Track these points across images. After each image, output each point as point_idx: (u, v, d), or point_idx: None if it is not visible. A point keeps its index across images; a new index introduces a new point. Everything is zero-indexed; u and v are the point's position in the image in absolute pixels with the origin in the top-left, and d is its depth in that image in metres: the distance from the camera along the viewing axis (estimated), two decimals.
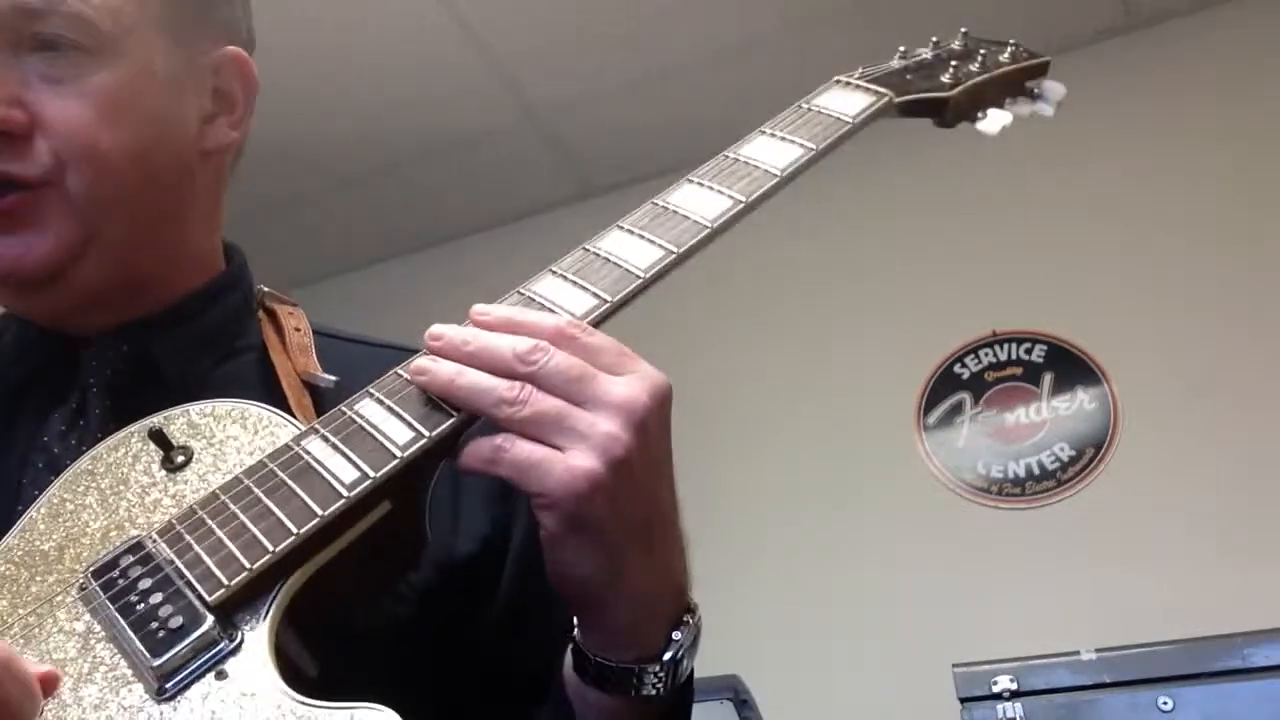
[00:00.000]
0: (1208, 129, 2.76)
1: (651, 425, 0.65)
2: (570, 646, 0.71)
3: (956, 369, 2.85)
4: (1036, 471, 2.69)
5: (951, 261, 2.90)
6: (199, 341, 0.87)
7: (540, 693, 0.79)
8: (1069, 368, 2.74)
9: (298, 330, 0.89)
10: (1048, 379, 2.75)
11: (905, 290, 2.93)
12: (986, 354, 2.83)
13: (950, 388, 2.84)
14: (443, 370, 0.67)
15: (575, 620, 0.71)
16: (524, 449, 0.63)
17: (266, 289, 0.94)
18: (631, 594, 0.67)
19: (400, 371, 0.70)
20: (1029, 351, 2.79)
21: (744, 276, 3.04)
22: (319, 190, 3.35)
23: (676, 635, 0.69)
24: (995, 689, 1.72)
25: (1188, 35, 2.84)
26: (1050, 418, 2.72)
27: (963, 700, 1.74)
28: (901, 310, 2.92)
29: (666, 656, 0.68)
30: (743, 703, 2.16)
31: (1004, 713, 1.70)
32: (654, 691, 0.68)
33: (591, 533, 0.63)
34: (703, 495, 2.90)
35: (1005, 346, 2.82)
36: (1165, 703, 1.62)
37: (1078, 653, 1.72)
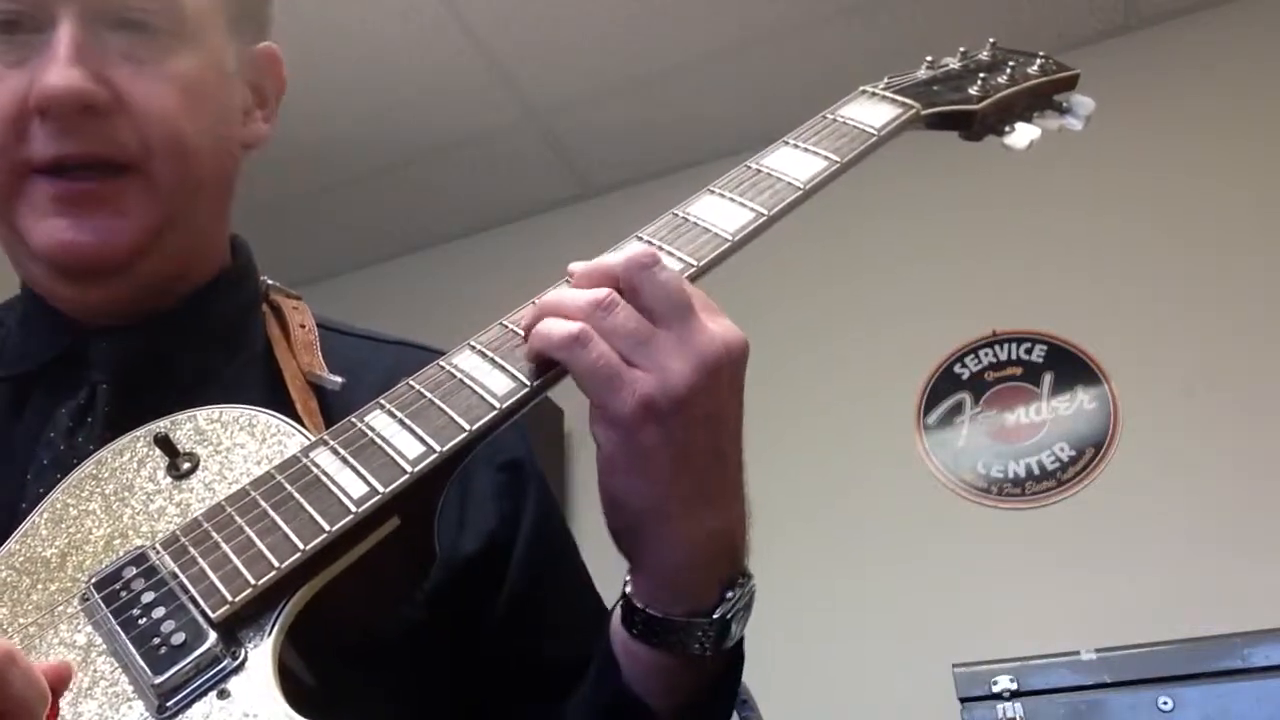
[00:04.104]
0: (1208, 129, 2.76)
1: (723, 375, 0.64)
2: (620, 600, 0.71)
3: (956, 369, 2.84)
4: (1036, 471, 2.68)
5: (951, 261, 2.90)
6: (208, 338, 0.85)
7: (569, 681, 0.78)
8: (1069, 368, 2.74)
9: (303, 327, 0.87)
10: (1048, 379, 2.75)
11: (905, 290, 2.92)
12: (986, 354, 2.83)
13: (950, 388, 2.84)
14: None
15: (628, 570, 0.70)
16: (605, 352, 0.63)
17: (271, 281, 0.93)
18: (679, 537, 0.66)
19: (412, 383, 0.68)
20: (1029, 351, 2.79)
21: (743, 277, 3.03)
22: (319, 190, 3.34)
23: (729, 594, 0.69)
24: (995, 689, 1.71)
25: (1188, 35, 2.84)
26: (1050, 418, 2.72)
27: (963, 700, 1.74)
28: (901, 310, 2.91)
29: (716, 614, 0.68)
30: (743, 703, 2.15)
31: (1004, 713, 1.70)
32: (700, 650, 0.68)
33: (640, 460, 0.64)
34: None
35: (1005, 346, 2.82)
36: (1165, 703, 1.62)
37: (1078, 653, 1.72)
